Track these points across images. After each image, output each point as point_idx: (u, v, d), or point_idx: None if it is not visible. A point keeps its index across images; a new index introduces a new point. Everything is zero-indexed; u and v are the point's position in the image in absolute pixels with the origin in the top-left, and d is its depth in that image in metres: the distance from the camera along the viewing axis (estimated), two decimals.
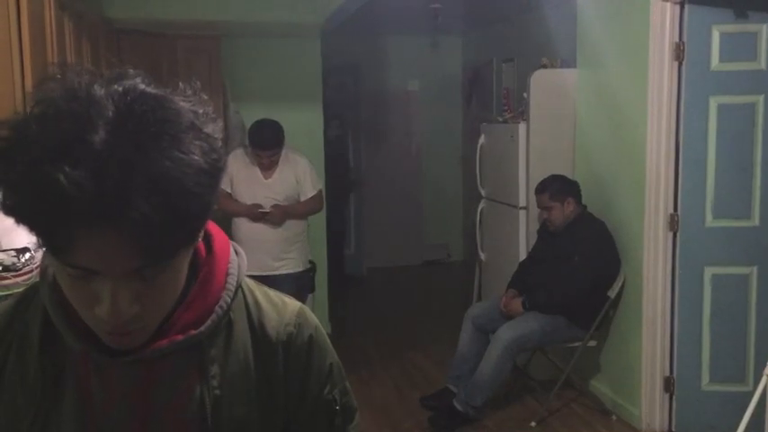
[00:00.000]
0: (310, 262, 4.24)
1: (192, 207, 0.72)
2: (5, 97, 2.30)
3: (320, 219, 4.96)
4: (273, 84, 5.11)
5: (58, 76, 0.74)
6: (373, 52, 7.31)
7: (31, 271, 2.45)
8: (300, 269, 4.06)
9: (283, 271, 3.93)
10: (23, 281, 2.41)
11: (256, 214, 3.89)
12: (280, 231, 3.95)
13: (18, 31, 2.33)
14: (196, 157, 0.72)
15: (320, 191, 4.11)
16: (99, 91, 0.71)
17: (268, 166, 3.94)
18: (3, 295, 2.28)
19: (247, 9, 4.53)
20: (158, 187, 0.68)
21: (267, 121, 3.91)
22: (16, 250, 2.53)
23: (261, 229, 3.91)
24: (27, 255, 2.52)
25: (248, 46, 5.10)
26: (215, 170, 0.75)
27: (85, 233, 0.69)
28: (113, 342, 0.80)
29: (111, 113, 0.70)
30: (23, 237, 2.82)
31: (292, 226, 4.00)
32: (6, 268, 2.41)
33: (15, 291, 2.33)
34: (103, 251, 0.70)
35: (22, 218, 0.71)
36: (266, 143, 3.87)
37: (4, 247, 2.60)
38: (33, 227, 0.71)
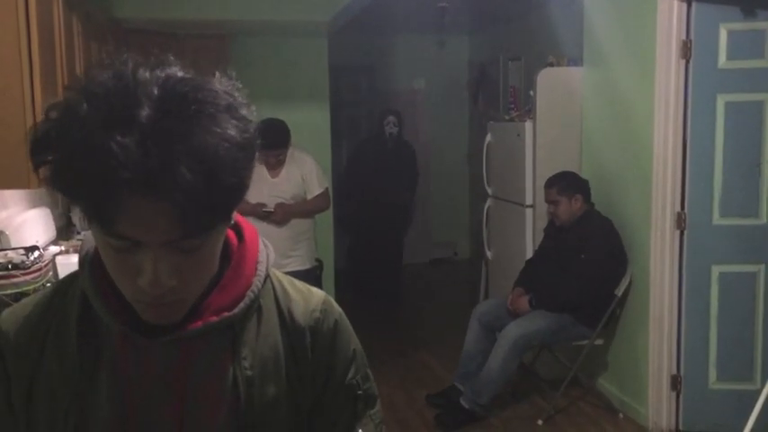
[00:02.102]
0: (317, 260, 4.25)
1: (228, 180, 0.76)
2: (15, 98, 2.32)
3: (327, 216, 4.97)
4: (281, 83, 5.13)
5: (106, 63, 0.79)
6: (380, 51, 7.32)
7: (40, 269, 2.47)
8: (307, 267, 4.08)
9: (290, 269, 3.94)
10: (32, 278, 2.43)
11: (260, 213, 3.90)
12: (285, 229, 3.97)
13: (27, 31, 2.35)
14: (232, 133, 0.77)
15: (326, 189, 4.12)
16: (144, 74, 0.77)
17: (274, 165, 3.95)
18: (13, 293, 2.30)
19: (254, 8, 4.55)
20: (199, 158, 0.73)
21: (273, 121, 3.93)
22: (25, 248, 2.56)
23: (266, 227, 3.92)
24: (36, 253, 2.54)
25: (256, 45, 5.12)
26: (250, 147, 0.80)
27: (131, 202, 0.73)
28: (151, 316, 0.84)
29: (155, 92, 0.75)
30: (32, 235, 2.84)
31: (298, 224, 4.01)
32: (16, 266, 2.43)
33: (25, 288, 2.35)
34: (147, 220, 0.75)
35: (72, 190, 0.76)
36: (272, 143, 3.88)
37: (13, 246, 2.62)
38: (83, 198, 0.75)
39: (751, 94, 3.41)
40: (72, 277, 0.95)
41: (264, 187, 3.94)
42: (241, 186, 0.80)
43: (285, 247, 3.97)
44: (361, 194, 6.18)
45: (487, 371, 3.73)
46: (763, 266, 3.47)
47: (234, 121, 0.78)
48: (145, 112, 0.73)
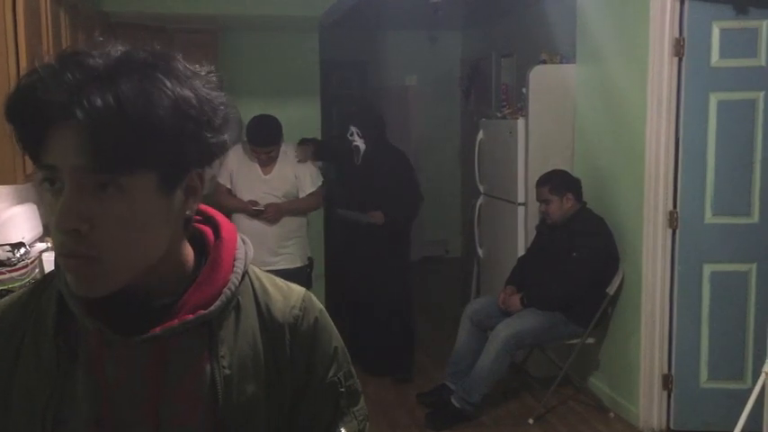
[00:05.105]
0: (308, 258, 4.22)
1: (142, 113, 0.76)
2: (1, 90, 2.28)
3: (319, 216, 4.94)
4: (271, 78, 5.10)
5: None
6: (372, 47, 7.29)
7: (26, 266, 2.44)
8: (298, 265, 4.04)
9: (280, 266, 3.90)
10: (19, 275, 2.40)
11: (250, 211, 3.88)
12: (276, 227, 3.94)
13: (14, 24, 2.32)
14: (165, 83, 0.79)
15: (319, 188, 4.08)
16: (107, 45, 0.82)
17: (266, 162, 3.92)
18: (7, 289, 2.27)
19: (245, 3, 4.51)
20: (116, 91, 0.76)
21: (264, 117, 3.90)
22: (11, 245, 2.52)
23: (258, 224, 3.90)
24: (22, 249, 2.51)
25: (246, 40, 5.08)
26: (183, 103, 0.79)
27: (50, 127, 0.77)
28: (72, 277, 0.82)
29: (115, 54, 0.80)
30: (18, 231, 2.80)
31: (289, 222, 3.99)
32: (2, 263, 2.40)
33: (11, 285, 2.31)
34: (59, 144, 0.77)
35: (8, 117, 0.80)
36: (263, 140, 3.85)
37: None
38: (13, 125, 0.80)
39: (743, 93, 3.41)
40: (49, 277, 0.94)
41: (256, 184, 3.92)
42: (158, 131, 0.78)
43: (275, 245, 3.95)
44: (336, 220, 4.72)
45: (478, 369, 3.71)
46: (754, 265, 3.47)
47: (173, 79, 0.80)
48: (96, 62, 0.78)
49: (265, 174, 3.94)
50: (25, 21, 2.35)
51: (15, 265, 2.44)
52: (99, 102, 0.75)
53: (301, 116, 5.04)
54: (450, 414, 3.74)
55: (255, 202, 3.89)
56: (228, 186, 3.96)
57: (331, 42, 5.79)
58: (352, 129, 4.36)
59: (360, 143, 4.33)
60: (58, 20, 2.93)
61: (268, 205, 3.90)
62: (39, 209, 3.28)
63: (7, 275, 2.39)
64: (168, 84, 0.79)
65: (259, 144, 3.86)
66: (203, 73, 0.84)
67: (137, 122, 0.76)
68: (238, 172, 3.94)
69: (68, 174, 0.78)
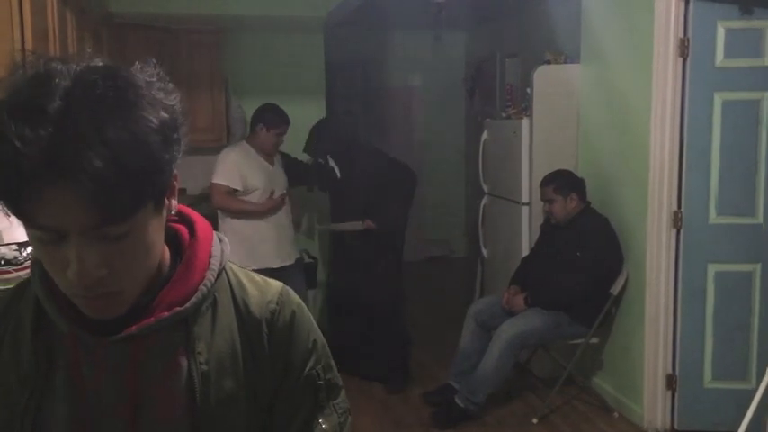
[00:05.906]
0: (312, 257, 4.28)
1: (139, 163, 0.75)
2: None
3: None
4: (276, 79, 5.10)
5: (26, 59, 0.80)
6: (376, 47, 7.29)
7: None
8: (298, 256, 4.23)
9: (294, 258, 4.11)
10: (26, 275, 2.41)
11: (278, 201, 3.98)
12: (290, 220, 4.12)
13: (20, 24, 2.33)
14: (145, 117, 0.76)
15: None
16: (57, 66, 0.77)
17: (272, 149, 4.02)
18: (4, 289, 2.28)
19: (250, 3, 4.52)
20: (107, 143, 0.72)
21: (272, 103, 4.04)
22: (18, 244, 2.53)
23: (279, 219, 4.01)
24: (29, 248, 2.52)
25: (251, 41, 5.09)
26: (166, 129, 0.78)
27: (43, 192, 0.73)
28: (91, 310, 0.83)
29: (67, 84, 0.75)
30: (25, 231, 2.82)
31: (292, 213, 4.18)
32: (8, 262, 2.41)
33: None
34: (62, 209, 0.74)
35: None
36: (287, 118, 3.97)
37: (5, 242, 2.60)
38: None
39: (748, 93, 3.40)
40: (27, 282, 0.95)
41: (269, 175, 4.04)
42: (157, 170, 0.78)
43: (291, 238, 4.13)
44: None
45: (483, 369, 3.72)
46: (759, 266, 3.47)
47: (147, 106, 0.77)
48: (55, 104, 0.73)
49: (271, 164, 4.07)
50: (32, 22, 2.36)
51: (22, 264, 2.45)
52: (99, 163, 0.71)
53: (306, 117, 5.05)
54: (455, 413, 3.75)
55: (273, 191, 4.00)
56: (238, 188, 3.93)
57: (335, 43, 5.79)
58: (327, 157, 4.37)
59: (334, 165, 4.37)
60: (64, 21, 2.94)
61: (284, 195, 4.06)
62: None
63: (14, 274, 2.40)
64: (150, 117, 0.76)
65: (287, 122, 3.96)
66: (154, 78, 0.81)
67: (137, 171, 0.75)
68: (250, 169, 3.96)
69: (77, 233, 0.76)
